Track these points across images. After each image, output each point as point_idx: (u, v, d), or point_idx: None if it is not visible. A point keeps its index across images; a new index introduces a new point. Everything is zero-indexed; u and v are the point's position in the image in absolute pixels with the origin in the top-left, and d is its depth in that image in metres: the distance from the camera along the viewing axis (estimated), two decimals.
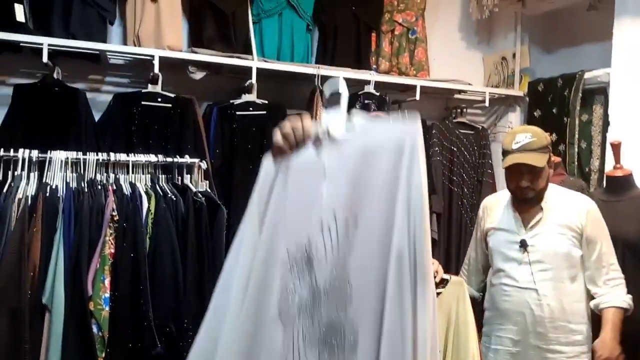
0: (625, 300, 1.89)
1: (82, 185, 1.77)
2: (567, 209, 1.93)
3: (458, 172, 3.15)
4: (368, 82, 2.73)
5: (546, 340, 1.89)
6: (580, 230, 1.90)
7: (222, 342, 1.08)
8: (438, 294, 1.46)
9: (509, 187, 1.98)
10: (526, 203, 1.95)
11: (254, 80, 2.54)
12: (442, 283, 1.89)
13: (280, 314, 1.07)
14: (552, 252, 1.90)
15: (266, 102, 2.63)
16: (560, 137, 2.87)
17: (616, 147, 2.23)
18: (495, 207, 2.07)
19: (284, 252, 1.09)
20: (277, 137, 1.13)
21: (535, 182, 1.88)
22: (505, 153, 1.92)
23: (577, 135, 2.84)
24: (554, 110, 2.94)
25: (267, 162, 1.17)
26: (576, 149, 2.82)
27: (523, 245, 1.92)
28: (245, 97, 2.62)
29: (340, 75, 2.65)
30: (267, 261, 1.10)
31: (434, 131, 3.10)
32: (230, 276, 1.13)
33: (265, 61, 2.60)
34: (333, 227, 1.07)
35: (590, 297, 1.93)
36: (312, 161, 1.11)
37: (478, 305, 2.23)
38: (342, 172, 1.09)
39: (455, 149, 3.16)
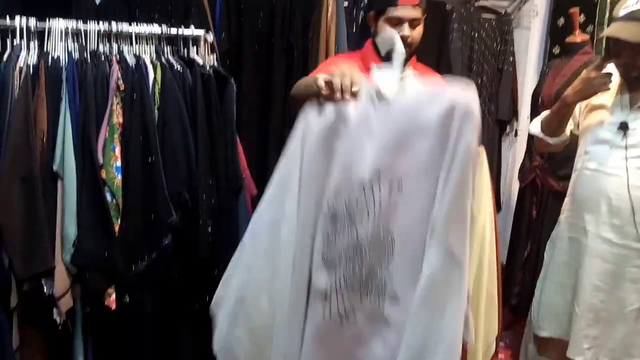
0: None
1: (85, 55, 1.70)
2: None
3: (478, 59, 3.00)
4: None
5: (622, 234, 1.73)
6: None
7: (280, 274, 1.16)
8: None
9: (613, 62, 1.72)
10: (635, 80, 1.70)
11: None
12: None
13: (324, 259, 1.15)
14: None
15: None
16: (589, 17, 2.68)
17: None
18: None
19: (325, 205, 1.15)
20: (321, 83, 1.13)
21: None
22: (612, 20, 1.67)
23: (607, 15, 2.65)
24: None
25: (312, 108, 1.16)
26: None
27: (623, 127, 1.70)
28: None
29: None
30: (310, 211, 1.15)
31: (454, 15, 2.91)
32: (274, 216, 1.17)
33: None
34: (376, 186, 1.11)
35: None
36: (362, 117, 1.12)
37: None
38: (389, 133, 1.09)
39: (475, 35, 2.99)
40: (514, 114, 3.12)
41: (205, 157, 1.72)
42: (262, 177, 2.44)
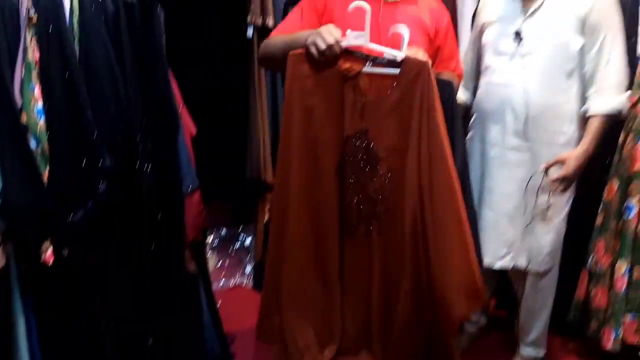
0: (612, 107, 1.73)
1: None
2: None
3: None
4: None
5: (526, 138, 1.81)
6: (584, 16, 1.67)
7: None
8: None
9: None
10: None
11: None
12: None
13: None
14: (549, 42, 1.72)
15: None
16: None
17: None
18: None
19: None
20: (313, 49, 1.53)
21: None
22: None
23: None
24: None
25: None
26: None
27: (518, 35, 1.74)
28: None
29: None
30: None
31: None
32: None
33: None
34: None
35: (583, 97, 1.79)
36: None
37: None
38: None
39: None
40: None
41: (135, 94, 1.58)
42: (201, 114, 2.31)
